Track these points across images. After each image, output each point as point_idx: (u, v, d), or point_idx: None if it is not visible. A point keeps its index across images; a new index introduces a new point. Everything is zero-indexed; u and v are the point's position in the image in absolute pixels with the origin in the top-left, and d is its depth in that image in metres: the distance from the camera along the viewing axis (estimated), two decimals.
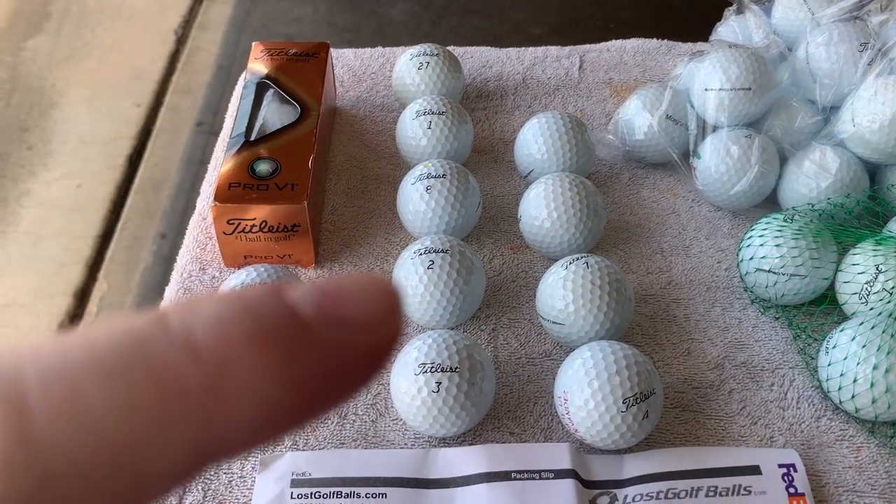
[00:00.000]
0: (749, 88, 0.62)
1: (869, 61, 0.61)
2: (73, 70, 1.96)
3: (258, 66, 0.67)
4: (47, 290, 1.44)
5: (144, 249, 1.51)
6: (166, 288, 0.61)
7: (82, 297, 1.44)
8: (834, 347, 0.51)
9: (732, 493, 0.48)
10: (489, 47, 0.80)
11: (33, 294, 1.42)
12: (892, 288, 0.52)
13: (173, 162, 1.68)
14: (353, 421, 0.52)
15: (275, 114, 0.63)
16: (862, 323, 0.51)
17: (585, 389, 0.48)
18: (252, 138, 0.61)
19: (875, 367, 0.49)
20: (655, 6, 2.12)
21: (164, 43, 2.04)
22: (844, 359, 0.50)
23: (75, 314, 1.41)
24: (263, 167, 0.58)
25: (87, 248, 1.53)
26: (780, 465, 0.49)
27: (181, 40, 2.04)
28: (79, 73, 1.96)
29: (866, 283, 0.53)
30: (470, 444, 0.51)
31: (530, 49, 0.80)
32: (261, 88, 0.65)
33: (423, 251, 0.55)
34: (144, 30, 2.11)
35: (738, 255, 0.59)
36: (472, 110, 0.74)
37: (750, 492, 0.48)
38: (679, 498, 0.48)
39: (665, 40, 0.81)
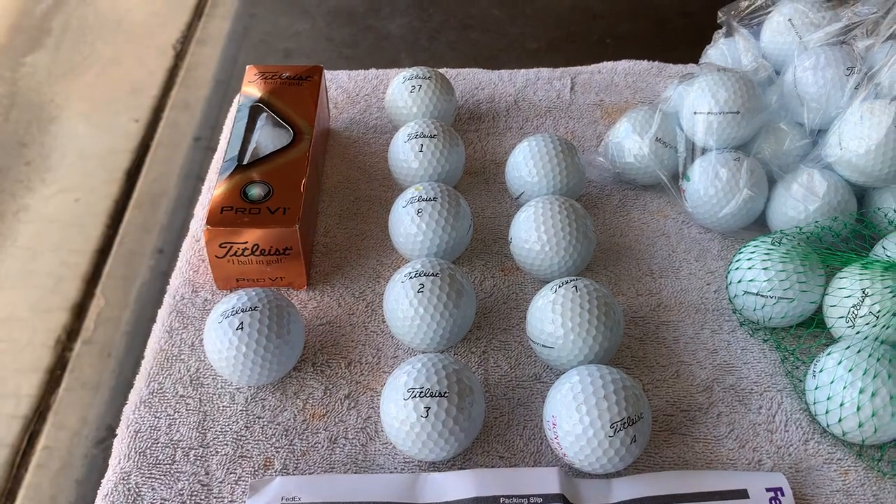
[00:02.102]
0: (738, 112, 0.63)
1: (855, 85, 0.61)
2: (72, 85, 1.97)
3: (252, 89, 0.68)
4: (45, 304, 1.44)
5: (142, 264, 1.51)
6: (159, 311, 0.61)
7: (80, 311, 1.44)
8: (821, 371, 0.52)
9: None
10: (481, 69, 0.81)
11: (31, 309, 1.43)
12: (879, 311, 0.52)
13: (171, 177, 1.68)
14: (344, 445, 0.52)
15: (268, 137, 0.64)
16: (848, 347, 0.51)
17: (574, 414, 0.48)
18: (245, 162, 0.62)
19: (861, 391, 0.49)
20: (652, 22, 2.13)
21: (162, 58, 2.05)
22: (831, 382, 0.51)
23: (72, 329, 1.41)
24: (256, 191, 0.59)
25: (85, 262, 1.53)
26: (768, 489, 0.50)
27: (180, 55, 2.05)
28: (77, 88, 1.97)
29: (853, 307, 0.53)
30: (459, 469, 0.51)
31: (522, 71, 0.80)
32: (254, 112, 0.66)
33: (413, 274, 0.55)
34: (143, 45, 2.12)
35: (726, 277, 0.59)
36: (465, 132, 0.75)
37: None
38: None
39: (656, 62, 0.82)
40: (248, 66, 0.70)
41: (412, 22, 2.16)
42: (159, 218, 1.60)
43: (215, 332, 0.52)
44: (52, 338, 1.37)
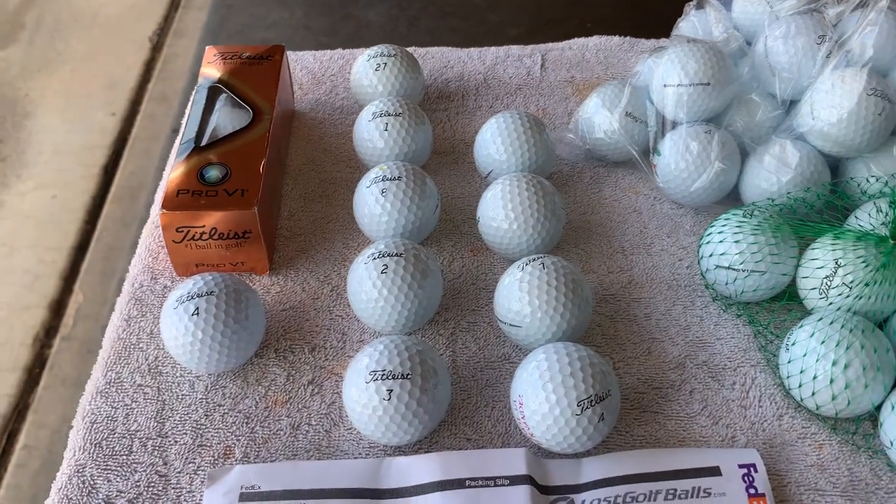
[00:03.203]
0: (708, 83, 0.61)
1: (827, 54, 0.60)
2: (48, 80, 1.94)
3: (211, 70, 0.66)
4: (22, 302, 1.42)
5: (121, 259, 1.49)
6: (117, 299, 0.59)
7: (58, 308, 1.42)
8: (793, 344, 0.51)
9: (692, 496, 0.47)
10: (450, 48, 0.79)
11: (7, 307, 1.40)
12: (851, 282, 0.51)
13: (149, 171, 1.66)
14: (307, 431, 0.51)
15: (227, 118, 0.62)
16: (821, 319, 0.50)
17: (540, 393, 0.47)
18: (203, 144, 0.60)
19: (834, 363, 0.48)
20: (632, 4, 2.11)
21: (139, 51, 2.02)
22: (804, 355, 0.49)
23: (51, 326, 1.39)
24: (213, 173, 0.57)
25: (63, 259, 1.51)
26: (741, 466, 0.48)
27: (156, 48, 2.02)
28: (53, 82, 1.94)
29: (825, 278, 0.52)
30: (426, 452, 0.50)
31: (492, 49, 0.79)
32: (213, 93, 0.64)
33: (376, 255, 0.53)
34: (119, 38, 2.09)
35: (698, 251, 0.58)
36: (433, 111, 0.73)
37: (710, 493, 0.47)
38: (637, 502, 0.47)
39: (628, 37, 0.80)
40: (207, 48, 0.68)
41: (391, 10, 2.14)
42: (138, 212, 1.57)
43: (170, 318, 0.51)
44: (31, 335, 1.35)
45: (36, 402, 1.28)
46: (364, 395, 0.47)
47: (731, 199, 0.63)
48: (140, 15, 2.15)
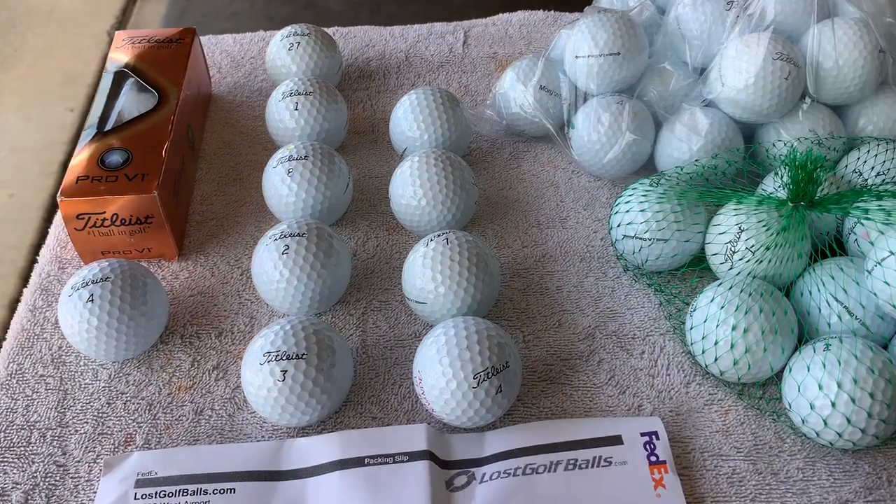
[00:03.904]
0: (618, 53, 0.61)
1: (735, 19, 0.59)
2: (3, 77, 1.91)
3: (119, 55, 0.65)
4: None
5: None
6: (24, 290, 0.58)
7: (16, 307, 1.40)
8: (695, 311, 0.50)
9: (592, 465, 0.47)
10: (372, 26, 0.78)
11: None
12: (753, 246, 0.51)
13: None
14: (210, 416, 0.50)
15: (132, 103, 0.61)
16: (721, 284, 0.50)
17: (437, 367, 0.46)
18: (106, 129, 0.59)
19: (734, 328, 0.48)
20: None
21: (97, 45, 1.99)
22: (705, 321, 0.49)
23: (9, 324, 1.37)
24: (115, 158, 0.56)
25: (21, 258, 1.48)
26: (643, 434, 0.48)
27: None
28: (9, 80, 1.90)
29: (728, 244, 0.52)
30: (329, 433, 0.49)
31: (415, 26, 0.78)
32: (119, 77, 0.63)
33: (278, 236, 0.53)
34: (76, 33, 2.05)
35: (609, 223, 0.58)
36: (354, 90, 0.72)
37: (610, 462, 0.47)
38: (537, 473, 0.46)
39: (552, 11, 0.80)
40: (116, 32, 0.67)
41: None
42: None
43: (66, 305, 0.50)
44: None
45: None
46: (258, 376, 0.47)
47: (648, 169, 0.63)
48: (97, 9, 2.11)
